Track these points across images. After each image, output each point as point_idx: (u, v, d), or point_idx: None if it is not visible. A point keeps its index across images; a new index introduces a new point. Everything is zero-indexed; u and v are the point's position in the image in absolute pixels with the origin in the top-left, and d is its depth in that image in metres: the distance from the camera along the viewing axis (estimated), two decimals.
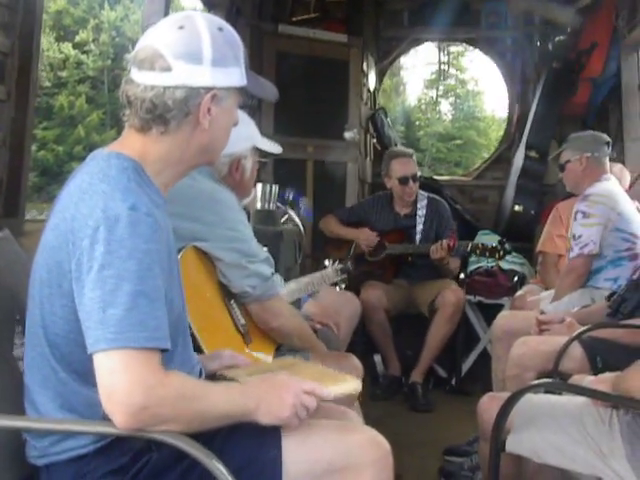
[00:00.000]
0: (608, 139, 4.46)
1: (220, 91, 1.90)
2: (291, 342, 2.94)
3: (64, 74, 44.00)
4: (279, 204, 4.61)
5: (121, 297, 1.65)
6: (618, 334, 3.23)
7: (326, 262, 3.87)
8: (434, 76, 42.01)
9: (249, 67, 1.99)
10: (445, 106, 45.75)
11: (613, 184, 4.30)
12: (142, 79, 1.85)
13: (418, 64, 38.29)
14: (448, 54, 37.60)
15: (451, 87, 43.67)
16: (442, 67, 38.93)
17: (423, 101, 46.69)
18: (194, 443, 1.70)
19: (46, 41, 45.46)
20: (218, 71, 1.88)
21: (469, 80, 39.97)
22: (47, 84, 44.81)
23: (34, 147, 42.49)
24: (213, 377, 2.21)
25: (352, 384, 2.03)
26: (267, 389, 1.87)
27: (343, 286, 3.86)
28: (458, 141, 40.04)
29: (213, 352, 2.42)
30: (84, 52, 45.52)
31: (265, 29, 6.83)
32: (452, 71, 41.21)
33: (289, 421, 1.85)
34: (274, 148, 3.15)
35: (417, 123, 43.78)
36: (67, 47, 45.51)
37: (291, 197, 5.12)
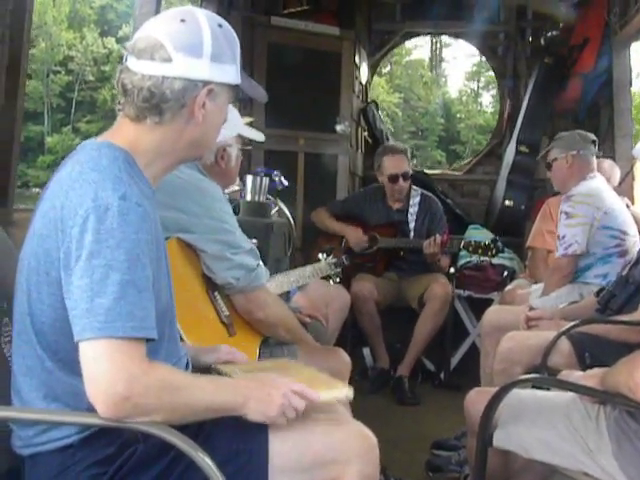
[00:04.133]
0: (594, 138, 4.47)
1: (216, 86, 1.92)
2: (277, 334, 2.93)
3: (107, 68, 44.67)
4: (269, 196, 4.59)
5: (109, 286, 1.65)
6: (607, 330, 3.23)
7: (320, 255, 3.85)
8: (475, 68, 41.73)
9: (241, 59, 2.00)
10: (486, 98, 45.78)
11: (599, 182, 4.30)
12: (140, 68, 1.85)
13: (459, 56, 38.48)
14: None
15: (492, 79, 43.94)
16: (482, 59, 39.11)
17: (464, 93, 46.69)
18: (179, 434, 1.69)
19: (90, 36, 46.33)
20: (216, 66, 1.89)
21: None
22: (91, 78, 45.38)
23: (77, 140, 42.82)
24: (208, 370, 2.21)
25: (343, 391, 2.03)
26: (257, 386, 1.87)
27: (337, 280, 3.84)
28: None
29: (211, 345, 2.42)
30: None
31: (257, 21, 6.80)
32: None
33: (275, 420, 1.85)
34: (257, 136, 3.19)
35: (458, 115, 43.79)
36: (110, 42, 46.10)
37: (263, 172, 5.01)
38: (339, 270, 3.83)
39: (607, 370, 2.26)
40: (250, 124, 3.32)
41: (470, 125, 42.16)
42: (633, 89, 6.55)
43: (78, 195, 1.72)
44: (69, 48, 46.69)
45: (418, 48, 43.76)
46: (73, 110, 45.26)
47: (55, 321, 1.76)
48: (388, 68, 45.70)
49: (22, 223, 1.94)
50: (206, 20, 1.89)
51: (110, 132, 1.94)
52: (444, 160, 43.41)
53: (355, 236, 5.61)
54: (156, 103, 1.85)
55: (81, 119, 45.02)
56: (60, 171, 1.86)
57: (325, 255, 3.83)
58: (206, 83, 1.89)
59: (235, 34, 1.99)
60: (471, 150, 38.89)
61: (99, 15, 47.79)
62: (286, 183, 5.00)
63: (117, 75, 1.90)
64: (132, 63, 1.86)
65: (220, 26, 1.93)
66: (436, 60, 42.20)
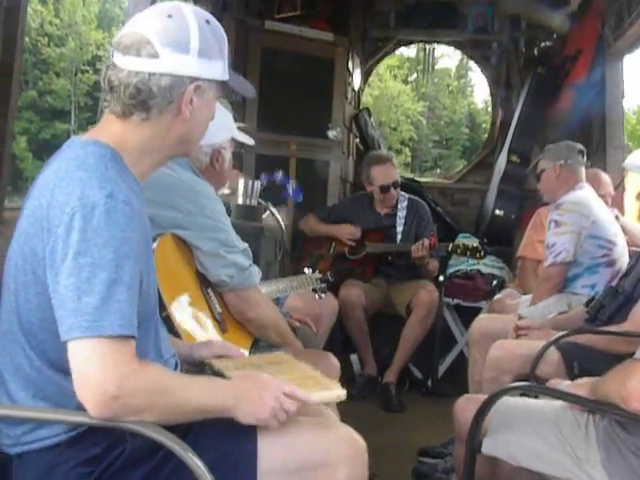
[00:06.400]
0: (581, 148, 4.48)
1: (204, 83, 1.91)
2: (268, 335, 2.93)
3: None
4: (260, 200, 4.58)
5: (97, 285, 1.64)
6: (595, 340, 3.24)
7: (306, 270, 3.84)
8: None
9: (234, 62, 1.99)
10: None
11: (587, 192, 4.31)
12: (127, 64, 1.83)
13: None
14: None
15: None
16: None
17: (490, 104, 46.80)
18: (169, 435, 1.69)
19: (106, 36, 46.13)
20: (203, 62, 1.88)
21: None
22: None
23: None
24: (201, 364, 2.20)
25: (336, 392, 2.01)
26: (248, 388, 1.86)
27: (323, 295, 3.82)
28: None
29: (205, 340, 2.43)
30: None
31: (251, 24, 6.78)
32: None
33: (267, 422, 1.84)
34: (248, 140, 3.22)
35: (483, 126, 43.82)
36: None
37: (279, 179, 4.95)
38: (324, 286, 3.81)
39: (597, 379, 2.27)
40: (240, 129, 3.33)
41: None
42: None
43: (64, 194, 1.71)
44: (98, 48, 47.09)
45: (445, 57, 43.61)
46: (100, 109, 45.62)
47: (43, 321, 1.75)
48: (414, 76, 45.52)
49: (12, 222, 1.92)
50: (193, 16, 1.88)
51: (96, 129, 1.93)
52: None
53: (348, 230, 5.63)
54: (143, 100, 1.84)
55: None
56: (46, 169, 1.85)
57: (311, 270, 3.81)
58: (193, 79, 1.88)
59: (223, 30, 1.98)
60: None
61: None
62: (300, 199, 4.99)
63: (103, 71, 1.88)
64: (118, 59, 1.84)
65: (207, 22, 1.91)
66: (427, 69, 42.07)
